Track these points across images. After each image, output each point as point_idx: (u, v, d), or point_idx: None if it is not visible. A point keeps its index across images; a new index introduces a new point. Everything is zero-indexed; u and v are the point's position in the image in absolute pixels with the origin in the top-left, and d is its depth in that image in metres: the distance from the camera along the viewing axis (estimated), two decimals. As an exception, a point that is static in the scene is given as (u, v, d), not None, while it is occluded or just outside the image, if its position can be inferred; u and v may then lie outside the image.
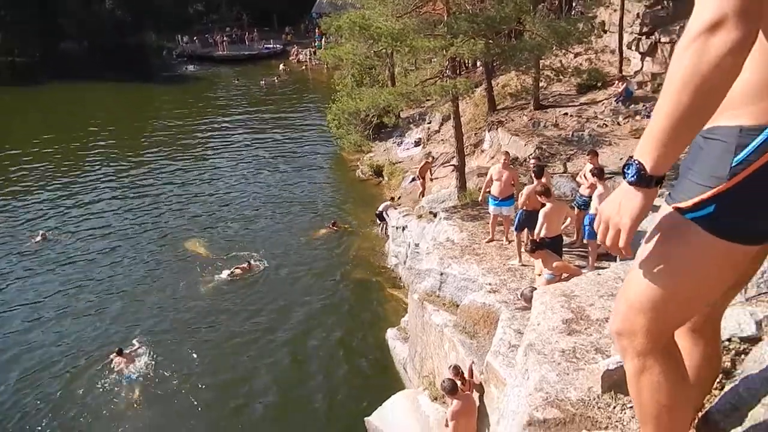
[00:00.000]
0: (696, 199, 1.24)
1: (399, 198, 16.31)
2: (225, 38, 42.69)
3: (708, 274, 1.31)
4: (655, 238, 1.33)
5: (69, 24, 38.73)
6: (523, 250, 8.45)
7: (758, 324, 2.15)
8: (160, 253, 14.71)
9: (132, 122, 27.34)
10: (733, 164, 1.20)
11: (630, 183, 1.21)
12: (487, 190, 9.58)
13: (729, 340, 2.13)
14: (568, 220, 8.41)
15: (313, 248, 14.78)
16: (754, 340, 2.12)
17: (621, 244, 1.25)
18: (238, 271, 13.25)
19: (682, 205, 1.27)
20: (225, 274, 13.19)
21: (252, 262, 13.60)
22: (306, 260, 14.17)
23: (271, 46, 43.35)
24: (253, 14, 50.52)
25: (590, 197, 8.32)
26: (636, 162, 1.19)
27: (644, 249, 1.36)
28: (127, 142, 24.44)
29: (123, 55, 37.70)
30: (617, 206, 1.24)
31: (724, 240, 1.25)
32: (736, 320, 2.18)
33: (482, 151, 16.05)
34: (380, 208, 15.01)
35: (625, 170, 1.22)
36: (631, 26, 15.81)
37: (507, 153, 10.35)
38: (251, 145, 23.48)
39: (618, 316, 1.45)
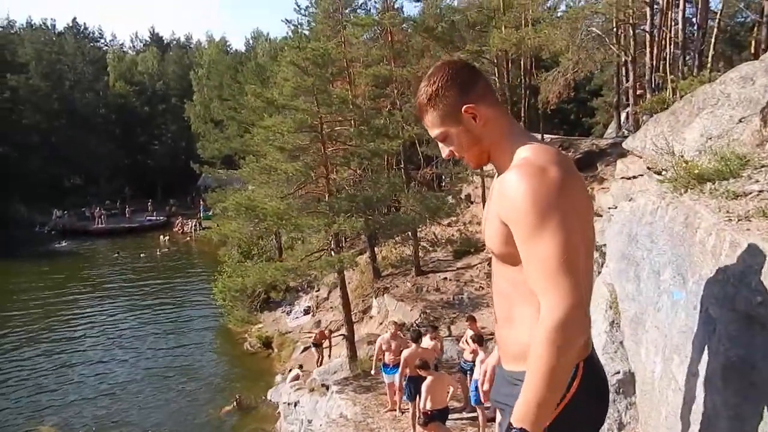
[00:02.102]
0: None
1: (290, 370, 15.82)
2: (103, 211, 41.69)
3: None
4: None
5: None
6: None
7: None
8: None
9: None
10: None
11: None
12: (379, 358, 9.73)
13: None
14: (450, 390, 8.57)
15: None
16: None
17: None
18: None
19: None
20: None
21: None
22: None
23: (154, 217, 42.95)
24: (138, 186, 50.53)
25: (474, 362, 8.73)
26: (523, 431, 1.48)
27: None
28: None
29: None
30: None
31: None
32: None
33: (371, 317, 16.43)
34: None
35: None
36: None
37: (395, 322, 10.74)
38: (131, 321, 22.04)
39: None
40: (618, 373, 2.95)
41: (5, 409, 14.84)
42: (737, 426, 1.88)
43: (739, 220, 2.23)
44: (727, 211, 2.36)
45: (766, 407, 1.79)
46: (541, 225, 1.46)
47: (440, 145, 1.75)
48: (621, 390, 2.93)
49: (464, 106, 1.63)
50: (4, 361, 18.15)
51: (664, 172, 3.66)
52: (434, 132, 1.71)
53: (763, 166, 2.86)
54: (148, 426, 13.90)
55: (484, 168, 15.44)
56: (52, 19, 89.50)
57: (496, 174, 1.75)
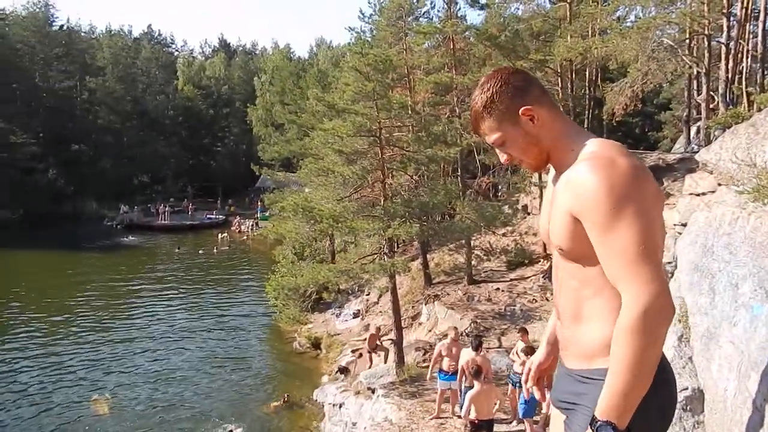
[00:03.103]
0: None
1: (337, 371, 15.91)
2: (167, 208, 43.45)
3: None
4: None
5: (2, 194, 38.38)
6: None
7: None
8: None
9: (59, 291, 26.23)
10: None
11: None
12: (436, 363, 9.66)
13: None
14: (497, 404, 8.35)
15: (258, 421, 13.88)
16: None
17: None
18: None
19: None
20: None
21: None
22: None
23: (213, 216, 44.38)
24: (199, 186, 52.46)
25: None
26: (611, 424, 1.44)
27: None
28: (52, 311, 23.22)
29: (58, 223, 37.29)
30: None
31: None
32: None
33: (420, 324, 16.32)
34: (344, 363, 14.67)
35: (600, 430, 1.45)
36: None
37: (455, 328, 10.61)
38: (187, 314, 22.82)
39: None
40: (686, 389, 2.79)
41: (63, 388, 15.70)
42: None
43: (831, 230, 2.07)
44: (818, 221, 2.20)
45: None
46: (618, 215, 1.45)
47: (497, 150, 1.76)
48: (689, 407, 2.77)
49: (522, 108, 1.65)
50: (67, 344, 19.22)
51: (742, 185, 3.46)
52: (491, 137, 1.72)
53: None
54: (198, 410, 14.40)
55: (543, 177, 15.10)
56: (129, 25, 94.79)
57: (554, 174, 1.74)
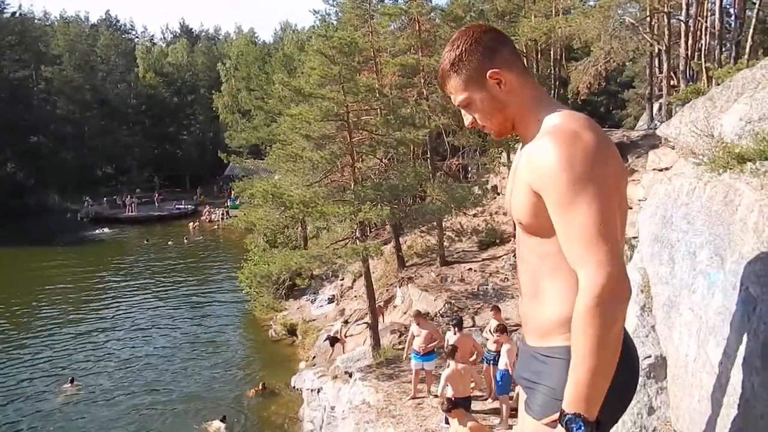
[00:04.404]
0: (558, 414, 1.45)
1: (314, 358, 15.97)
2: (134, 199, 42.53)
3: None
4: None
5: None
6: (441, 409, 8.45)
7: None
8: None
9: (23, 287, 25.54)
10: None
11: None
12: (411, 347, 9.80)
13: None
14: (473, 383, 8.53)
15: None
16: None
17: None
18: None
19: (546, 421, 1.51)
20: None
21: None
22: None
23: (182, 206, 43.61)
24: (166, 176, 51.42)
25: (498, 352, 8.67)
26: (579, 416, 1.37)
27: None
28: (18, 306, 22.62)
29: (20, 216, 36.21)
30: None
31: None
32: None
33: (395, 307, 16.43)
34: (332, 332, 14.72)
35: (571, 425, 1.37)
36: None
37: (418, 311, 10.76)
38: (158, 307, 22.50)
39: None
40: (649, 357, 2.88)
41: (32, 379, 15.66)
42: (777, 407, 1.81)
43: (783, 197, 2.15)
44: (770, 189, 2.28)
45: (808, 388, 1.72)
46: (578, 192, 1.39)
47: (462, 112, 1.69)
48: (652, 374, 2.86)
49: (489, 71, 1.58)
50: (35, 337, 18.93)
51: (701, 157, 3.56)
52: (457, 98, 1.65)
53: (808, 147, 2.75)
54: (170, 398, 14.39)
55: (512, 157, 15.20)
56: (86, 11, 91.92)
57: (521, 145, 1.68)
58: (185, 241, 34.14)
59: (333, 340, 15.14)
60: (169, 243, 33.61)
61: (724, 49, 16.68)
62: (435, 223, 16.05)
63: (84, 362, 16.89)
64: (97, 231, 37.83)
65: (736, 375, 2.04)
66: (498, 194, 18.39)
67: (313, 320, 18.53)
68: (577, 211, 1.40)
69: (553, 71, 22.06)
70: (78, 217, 41.74)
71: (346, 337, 15.52)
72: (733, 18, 17.52)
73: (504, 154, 17.86)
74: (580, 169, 1.40)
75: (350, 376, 12.02)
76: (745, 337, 2.01)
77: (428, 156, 17.88)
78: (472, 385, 8.42)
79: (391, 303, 16.60)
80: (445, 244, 17.11)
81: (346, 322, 16.46)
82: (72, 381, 14.92)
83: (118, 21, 68.77)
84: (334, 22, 25.08)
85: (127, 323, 20.59)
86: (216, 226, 39.04)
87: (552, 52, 22.15)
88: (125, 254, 32.06)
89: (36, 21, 53.85)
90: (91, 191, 44.77)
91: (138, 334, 19.56)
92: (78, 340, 18.86)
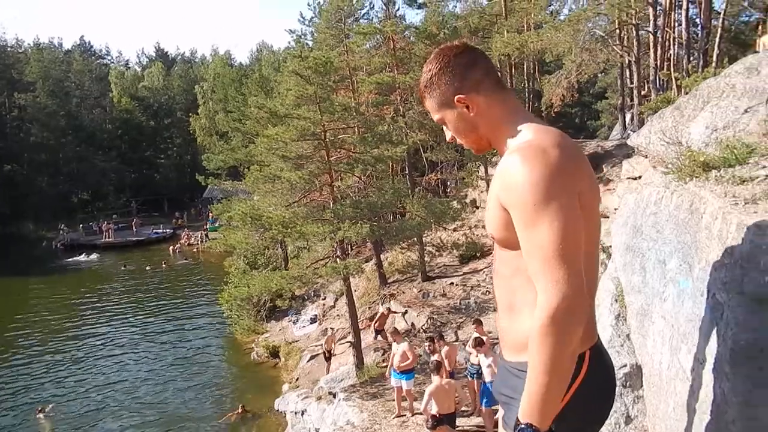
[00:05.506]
0: None
1: (297, 379, 15.75)
2: (111, 225, 41.88)
3: None
4: None
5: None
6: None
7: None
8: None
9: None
10: None
11: None
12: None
13: None
14: (458, 397, 8.50)
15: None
16: None
17: None
18: None
19: None
20: None
21: None
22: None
23: (161, 230, 43.05)
24: (143, 201, 50.82)
25: (480, 366, 8.64)
26: (531, 427, 1.41)
27: None
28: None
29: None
30: None
31: None
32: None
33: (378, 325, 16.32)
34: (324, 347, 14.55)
35: None
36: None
37: (395, 329, 10.74)
38: (138, 333, 22.07)
39: None
40: (625, 366, 2.88)
41: (11, 407, 15.50)
42: (747, 412, 1.81)
43: (745, 204, 2.17)
44: (734, 196, 2.31)
45: (777, 392, 1.72)
46: (540, 210, 1.41)
47: (444, 127, 1.75)
48: (628, 383, 2.86)
49: (456, 97, 1.63)
50: (10, 365, 18.59)
51: (669, 165, 3.61)
52: (434, 117, 1.73)
53: (769, 153, 2.80)
54: (147, 423, 14.12)
55: (490, 171, 15.34)
56: (59, 37, 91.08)
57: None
58: (164, 265, 33.65)
59: (327, 354, 14.93)
60: (147, 269, 33.09)
61: (692, 58, 17.09)
62: (415, 239, 16.07)
63: (61, 389, 16.54)
64: (73, 259, 37.15)
65: (708, 381, 2.05)
66: (477, 208, 18.49)
67: (296, 341, 18.32)
68: (539, 229, 1.41)
69: (526, 85, 22.40)
70: (53, 245, 40.97)
71: (335, 344, 15.22)
72: (699, 28, 17.95)
73: (482, 168, 18.01)
74: (544, 187, 1.41)
75: (334, 396, 11.88)
76: (714, 344, 2.02)
77: (407, 172, 17.96)
78: (458, 399, 8.37)
79: (374, 320, 16.49)
80: (426, 259, 17.12)
81: (326, 331, 16.23)
82: (42, 410, 14.66)
83: (92, 46, 68.33)
84: (310, 43, 25.26)
85: (104, 350, 20.17)
86: (195, 250, 38.58)
87: (525, 66, 22.53)
88: (102, 281, 31.45)
89: (9, 49, 53.18)
90: (67, 218, 44.02)
91: (116, 360, 19.16)
92: (56, 368, 18.47)
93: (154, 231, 42.90)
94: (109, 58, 71.62)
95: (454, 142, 1.76)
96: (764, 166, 2.66)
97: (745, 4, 21.36)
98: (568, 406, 1.49)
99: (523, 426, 1.42)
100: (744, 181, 2.47)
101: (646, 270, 2.81)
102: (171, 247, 37.44)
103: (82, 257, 37.16)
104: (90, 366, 18.61)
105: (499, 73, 1.76)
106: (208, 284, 28.16)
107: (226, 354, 19.91)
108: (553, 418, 1.42)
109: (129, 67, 70.09)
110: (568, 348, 1.38)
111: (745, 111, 3.59)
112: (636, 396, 2.83)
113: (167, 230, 43.30)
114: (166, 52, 74.23)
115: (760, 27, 19.70)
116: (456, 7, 25.12)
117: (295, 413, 13.05)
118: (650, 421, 2.68)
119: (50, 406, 14.95)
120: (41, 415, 14.59)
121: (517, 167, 1.45)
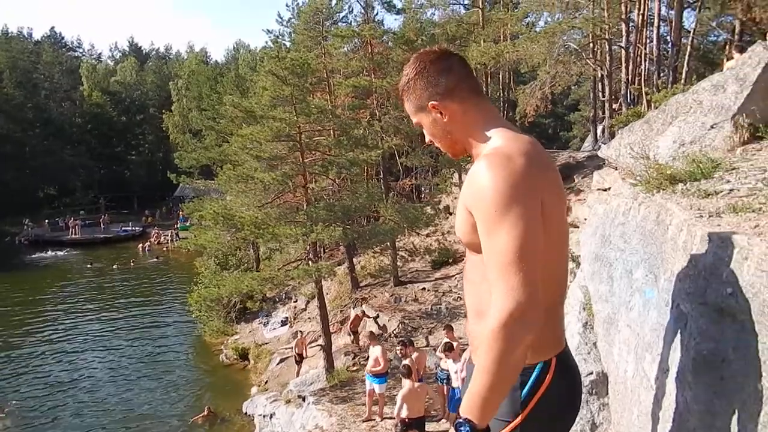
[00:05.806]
0: None
1: (266, 382, 15.58)
2: (78, 221, 40.88)
3: None
4: None
5: None
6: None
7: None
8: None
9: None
10: (522, 398, 1.53)
11: None
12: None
13: None
14: (429, 400, 8.56)
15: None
16: None
17: None
18: None
19: None
20: None
21: None
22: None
23: (130, 228, 42.23)
24: (113, 197, 49.77)
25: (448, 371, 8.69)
26: (470, 422, 1.42)
27: None
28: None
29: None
30: None
31: None
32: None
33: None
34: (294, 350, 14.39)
35: (460, 428, 1.42)
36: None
37: (371, 332, 10.70)
38: (105, 332, 21.54)
39: None
40: (591, 374, 2.93)
41: None
42: (708, 421, 1.86)
43: (710, 216, 2.23)
44: (699, 209, 2.36)
45: (736, 401, 1.77)
46: (500, 216, 1.42)
47: (423, 130, 1.78)
48: (594, 391, 2.91)
49: (430, 103, 1.65)
50: None
51: (637, 178, 3.69)
52: (413, 119, 1.75)
53: (734, 168, 2.88)
54: (109, 423, 13.84)
55: (464, 178, 15.48)
56: (29, 28, 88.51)
57: None
58: (132, 264, 32.98)
59: (298, 357, 14.79)
60: (114, 267, 32.38)
61: (662, 74, 17.55)
62: (388, 244, 16.09)
63: (21, 387, 16.12)
64: (37, 255, 36.15)
65: (671, 390, 2.09)
66: (450, 214, 18.60)
67: (266, 344, 18.14)
68: (498, 235, 1.42)
69: (502, 94, 22.69)
70: (17, 240, 39.81)
71: (306, 347, 15.06)
72: (670, 45, 18.48)
73: (456, 175, 18.14)
74: (506, 194, 1.43)
75: (303, 400, 11.79)
76: (677, 353, 2.07)
77: (381, 176, 17.99)
78: (428, 404, 8.41)
79: (345, 324, 16.43)
80: (398, 264, 17.15)
81: (297, 334, 16.08)
82: (0, 408, 14.32)
83: (63, 38, 66.67)
84: (288, 44, 25.12)
85: (68, 348, 19.66)
86: (165, 249, 37.93)
87: (501, 76, 22.82)
88: (67, 279, 30.65)
89: (-26, 37, 51.69)
90: (32, 213, 42.82)
91: (80, 358, 18.71)
92: (16, 365, 17.95)
93: (123, 228, 42.05)
94: (81, 50, 70.02)
95: (432, 144, 1.78)
96: (728, 181, 2.75)
97: (714, 24, 22.04)
98: (533, 412, 1.52)
99: (461, 420, 1.43)
100: (709, 195, 2.54)
101: (614, 279, 2.87)
102: (140, 246, 36.78)
103: (48, 254, 36.20)
104: (53, 364, 18.11)
105: (476, 80, 1.78)
106: (177, 284, 27.70)
107: (194, 355, 19.59)
108: (490, 416, 1.43)
109: (101, 61, 68.62)
110: (514, 354, 1.39)
111: (711, 127, 3.70)
112: (602, 403, 2.88)
113: (137, 228, 42.50)
114: (140, 47, 73.01)
115: (727, 47, 20.34)
116: (434, 14, 25.27)
117: (264, 416, 12.90)
118: (615, 428, 2.72)
119: (10, 404, 14.48)
120: (1, 414, 14.13)
121: (483, 173, 1.47)
